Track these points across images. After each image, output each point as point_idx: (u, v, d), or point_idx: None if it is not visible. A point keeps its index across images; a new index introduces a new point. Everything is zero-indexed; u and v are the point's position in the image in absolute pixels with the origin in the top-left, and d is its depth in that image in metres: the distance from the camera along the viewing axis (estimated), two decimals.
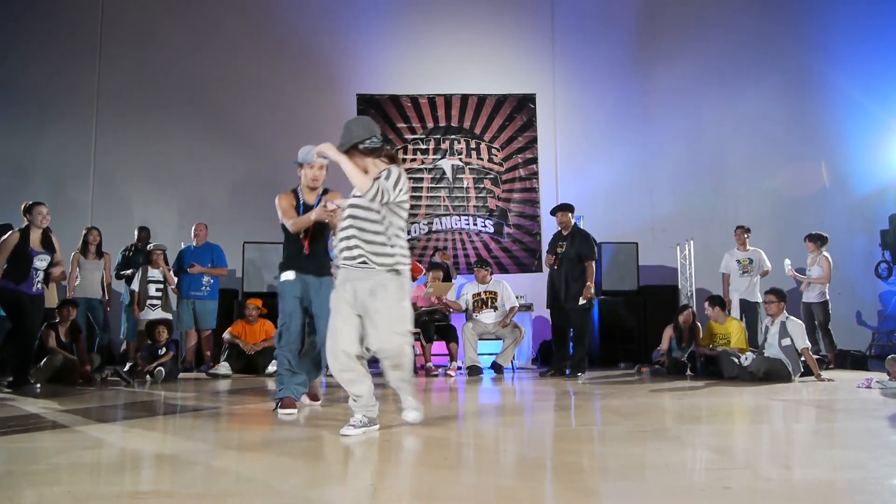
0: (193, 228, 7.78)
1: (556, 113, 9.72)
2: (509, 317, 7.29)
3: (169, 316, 7.17)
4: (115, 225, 8.52)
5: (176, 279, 7.38)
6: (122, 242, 7.87)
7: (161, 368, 6.18)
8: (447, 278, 8.01)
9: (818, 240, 7.86)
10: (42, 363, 6.03)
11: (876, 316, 9.42)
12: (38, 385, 5.65)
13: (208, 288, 7.58)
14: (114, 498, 1.91)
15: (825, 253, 7.84)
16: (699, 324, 7.02)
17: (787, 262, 7.94)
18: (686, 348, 6.95)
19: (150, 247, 7.41)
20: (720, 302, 6.95)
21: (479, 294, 7.42)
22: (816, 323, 7.81)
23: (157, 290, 7.20)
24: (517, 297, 7.67)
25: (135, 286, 7.20)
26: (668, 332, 7.08)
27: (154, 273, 7.20)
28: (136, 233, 7.87)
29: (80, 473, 2.30)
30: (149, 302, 7.12)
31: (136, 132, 9.70)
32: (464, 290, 7.59)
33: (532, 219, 9.50)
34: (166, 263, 7.33)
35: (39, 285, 5.79)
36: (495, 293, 7.42)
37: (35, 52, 9.74)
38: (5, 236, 5.70)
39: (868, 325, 9.39)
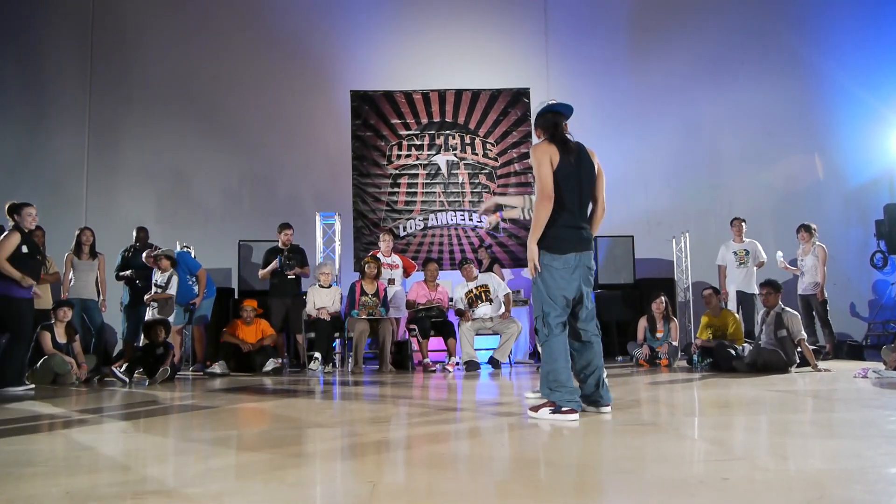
0: (143, 256, 7.31)
1: None
2: (508, 307, 7.33)
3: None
4: (108, 225, 8.48)
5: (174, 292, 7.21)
6: (116, 242, 7.81)
7: (167, 368, 6.16)
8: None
9: (810, 230, 7.88)
10: (38, 365, 6.01)
11: (871, 306, 9.46)
12: (33, 386, 5.63)
13: (206, 292, 7.52)
14: (111, 498, 1.90)
15: (819, 242, 7.85)
16: (675, 318, 7.34)
17: (780, 254, 7.96)
18: (664, 338, 7.14)
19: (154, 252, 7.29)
20: (716, 292, 7.11)
21: (471, 291, 7.43)
22: (814, 314, 7.83)
23: (157, 292, 7.09)
24: (514, 292, 7.69)
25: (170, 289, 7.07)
26: (642, 323, 7.32)
27: (157, 276, 7.10)
28: (134, 233, 7.77)
29: (78, 474, 2.29)
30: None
31: (129, 131, 9.67)
32: (456, 290, 7.58)
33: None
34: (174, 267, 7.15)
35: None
36: (486, 285, 7.44)
37: (27, 52, 9.69)
38: (3, 236, 5.49)
39: (863, 315, 9.43)
